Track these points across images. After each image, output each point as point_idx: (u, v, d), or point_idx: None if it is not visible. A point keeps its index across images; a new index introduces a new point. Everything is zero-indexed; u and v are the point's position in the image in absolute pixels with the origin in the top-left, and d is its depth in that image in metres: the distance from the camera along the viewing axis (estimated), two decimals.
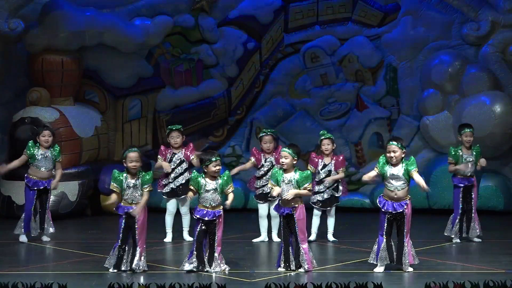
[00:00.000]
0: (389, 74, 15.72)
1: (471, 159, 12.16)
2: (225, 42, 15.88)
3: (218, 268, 9.89)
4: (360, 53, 15.73)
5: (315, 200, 12.21)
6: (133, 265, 9.87)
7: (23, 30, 14.74)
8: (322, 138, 12.22)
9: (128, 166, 9.99)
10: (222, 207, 10.02)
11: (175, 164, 12.34)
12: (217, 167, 9.98)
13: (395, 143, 9.95)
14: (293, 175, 9.98)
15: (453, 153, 12.18)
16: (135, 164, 9.99)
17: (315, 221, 12.27)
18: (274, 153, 12.17)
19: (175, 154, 12.35)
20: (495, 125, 14.44)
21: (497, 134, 14.47)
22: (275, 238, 12.21)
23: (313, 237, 12.23)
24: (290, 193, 9.93)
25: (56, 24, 14.81)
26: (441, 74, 15.04)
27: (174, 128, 12.43)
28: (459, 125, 12.61)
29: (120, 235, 10.00)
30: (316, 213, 12.25)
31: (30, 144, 12.30)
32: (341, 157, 12.31)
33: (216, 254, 9.92)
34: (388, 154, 9.95)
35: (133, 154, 10.00)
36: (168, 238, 12.41)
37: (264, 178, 12.18)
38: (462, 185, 12.18)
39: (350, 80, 15.84)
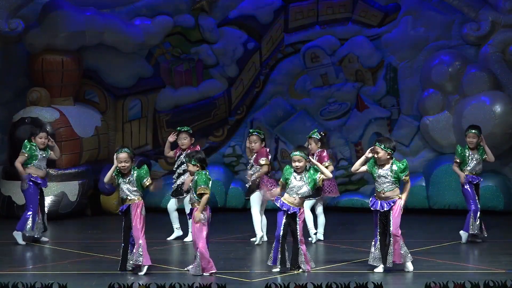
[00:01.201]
0: (389, 74, 15.71)
1: (477, 157, 12.18)
2: (225, 42, 15.87)
3: (193, 270, 9.84)
4: (360, 53, 15.71)
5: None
6: (133, 261, 9.86)
7: (23, 30, 14.74)
8: (307, 136, 12.30)
9: (118, 167, 9.93)
10: (195, 206, 9.85)
11: (177, 164, 12.40)
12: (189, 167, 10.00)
13: (378, 144, 10.07)
14: (304, 172, 10.06)
15: (459, 152, 12.19)
16: (124, 164, 9.90)
17: (321, 220, 12.37)
18: (255, 153, 12.20)
19: (182, 154, 12.41)
20: (495, 125, 14.42)
21: (497, 134, 14.46)
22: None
23: (315, 238, 12.30)
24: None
25: (56, 24, 14.81)
26: (441, 74, 15.03)
27: (183, 130, 12.47)
28: (468, 126, 12.60)
29: (122, 235, 10.00)
30: (308, 217, 12.24)
31: (27, 144, 12.24)
32: (324, 153, 12.27)
33: (196, 253, 9.82)
34: (375, 155, 10.05)
35: (122, 155, 9.91)
36: (175, 234, 12.50)
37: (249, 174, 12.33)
38: (474, 182, 12.17)
39: (350, 80, 15.84)
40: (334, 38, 15.84)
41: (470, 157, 12.15)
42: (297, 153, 10.09)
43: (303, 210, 10.16)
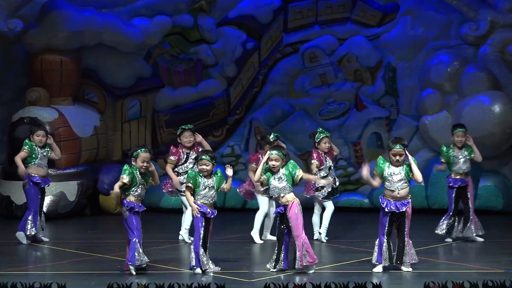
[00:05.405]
0: (388, 74, 15.72)
1: (464, 155, 12.21)
2: (224, 42, 15.87)
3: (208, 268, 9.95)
4: (359, 53, 15.72)
5: (322, 197, 12.24)
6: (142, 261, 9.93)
7: (22, 30, 14.73)
8: (323, 136, 12.28)
9: (138, 166, 9.90)
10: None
11: (193, 164, 12.30)
12: (203, 166, 10.02)
13: (400, 146, 9.97)
14: (282, 171, 10.01)
15: (445, 152, 12.23)
16: (146, 165, 9.93)
17: (316, 220, 12.34)
18: None
19: (189, 153, 12.36)
20: (494, 125, 14.43)
21: (496, 134, 14.47)
22: (269, 236, 12.34)
23: (317, 235, 12.31)
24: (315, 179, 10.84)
25: (55, 24, 14.81)
26: (440, 74, 15.04)
27: (187, 128, 12.44)
28: (452, 125, 12.69)
29: (140, 232, 9.90)
30: (316, 212, 12.32)
31: (27, 141, 12.28)
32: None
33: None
34: (393, 158, 9.96)
35: (145, 155, 9.92)
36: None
37: None
38: (456, 185, 12.23)
39: (349, 80, 15.84)
40: (333, 38, 15.83)
41: (456, 157, 12.17)
42: (275, 152, 10.04)
43: (293, 204, 9.93)
